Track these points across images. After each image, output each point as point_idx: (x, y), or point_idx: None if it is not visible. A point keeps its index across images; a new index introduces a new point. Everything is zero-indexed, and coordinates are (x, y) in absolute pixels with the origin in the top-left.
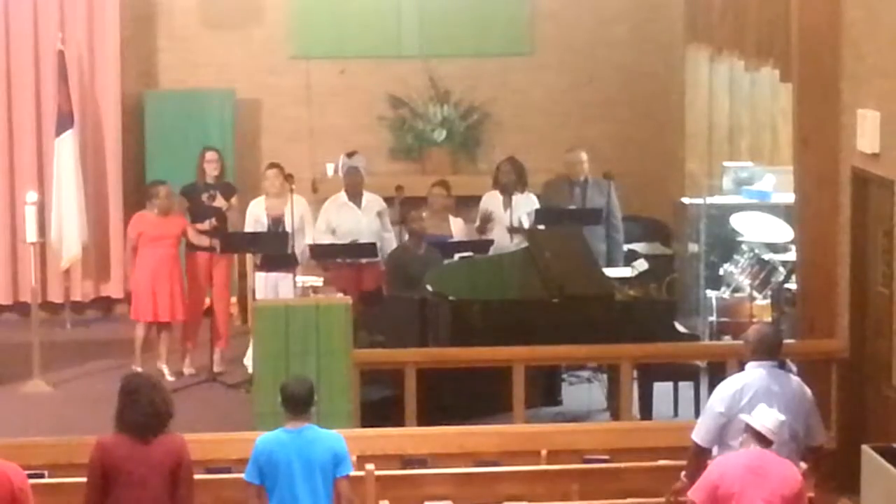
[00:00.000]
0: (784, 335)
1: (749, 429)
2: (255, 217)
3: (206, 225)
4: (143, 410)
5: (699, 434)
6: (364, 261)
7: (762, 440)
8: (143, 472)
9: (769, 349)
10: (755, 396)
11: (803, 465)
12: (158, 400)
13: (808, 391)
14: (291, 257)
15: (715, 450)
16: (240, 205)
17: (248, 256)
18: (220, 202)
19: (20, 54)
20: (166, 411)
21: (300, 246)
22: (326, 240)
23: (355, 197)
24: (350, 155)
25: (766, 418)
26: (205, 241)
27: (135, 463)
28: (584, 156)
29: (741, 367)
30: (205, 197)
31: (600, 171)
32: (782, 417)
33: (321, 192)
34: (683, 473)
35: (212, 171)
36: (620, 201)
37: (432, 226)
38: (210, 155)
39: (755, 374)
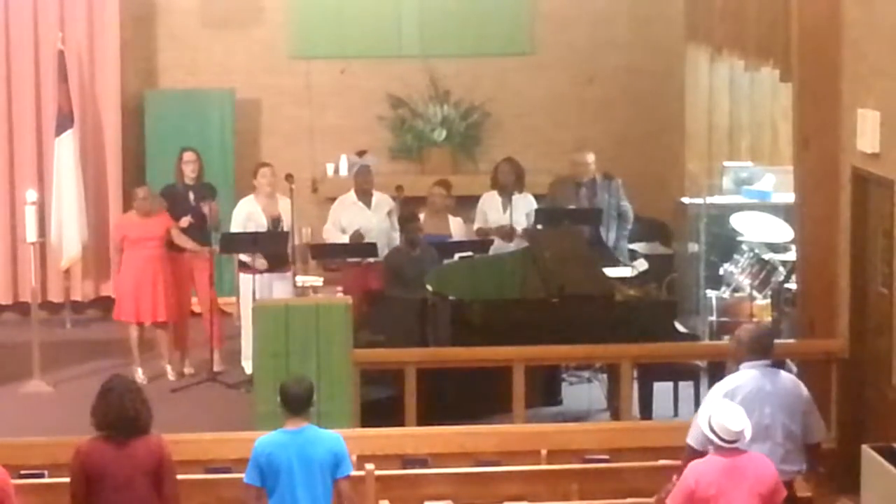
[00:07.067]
0: (784, 335)
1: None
2: (248, 214)
3: (185, 222)
4: (115, 412)
5: (693, 437)
6: (371, 260)
7: (721, 447)
8: (127, 474)
9: (763, 349)
10: (747, 397)
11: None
12: (128, 402)
13: (804, 389)
14: (285, 257)
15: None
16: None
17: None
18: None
19: (20, 54)
20: (136, 415)
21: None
22: (334, 239)
23: (365, 196)
24: (360, 154)
25: (720, 426)
26: (187, 243)
27: (118, 465)
28: (590, 157)
29: (738, 368)
30: (206, 208)
31: (601, 171)
32: (739, 427)
33: (321, 192)
34: (675, 477)
35: (190, 172)
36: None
37: (432, 226)
38: (188, 156)
39: (748, 374)
